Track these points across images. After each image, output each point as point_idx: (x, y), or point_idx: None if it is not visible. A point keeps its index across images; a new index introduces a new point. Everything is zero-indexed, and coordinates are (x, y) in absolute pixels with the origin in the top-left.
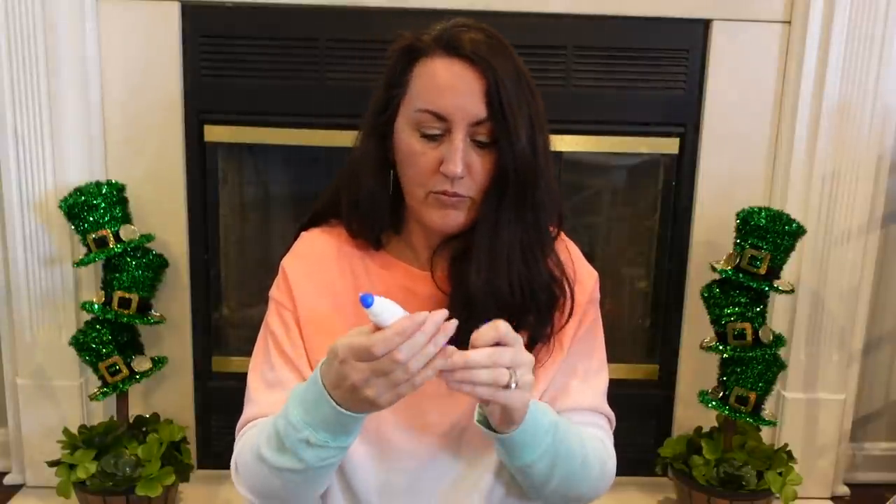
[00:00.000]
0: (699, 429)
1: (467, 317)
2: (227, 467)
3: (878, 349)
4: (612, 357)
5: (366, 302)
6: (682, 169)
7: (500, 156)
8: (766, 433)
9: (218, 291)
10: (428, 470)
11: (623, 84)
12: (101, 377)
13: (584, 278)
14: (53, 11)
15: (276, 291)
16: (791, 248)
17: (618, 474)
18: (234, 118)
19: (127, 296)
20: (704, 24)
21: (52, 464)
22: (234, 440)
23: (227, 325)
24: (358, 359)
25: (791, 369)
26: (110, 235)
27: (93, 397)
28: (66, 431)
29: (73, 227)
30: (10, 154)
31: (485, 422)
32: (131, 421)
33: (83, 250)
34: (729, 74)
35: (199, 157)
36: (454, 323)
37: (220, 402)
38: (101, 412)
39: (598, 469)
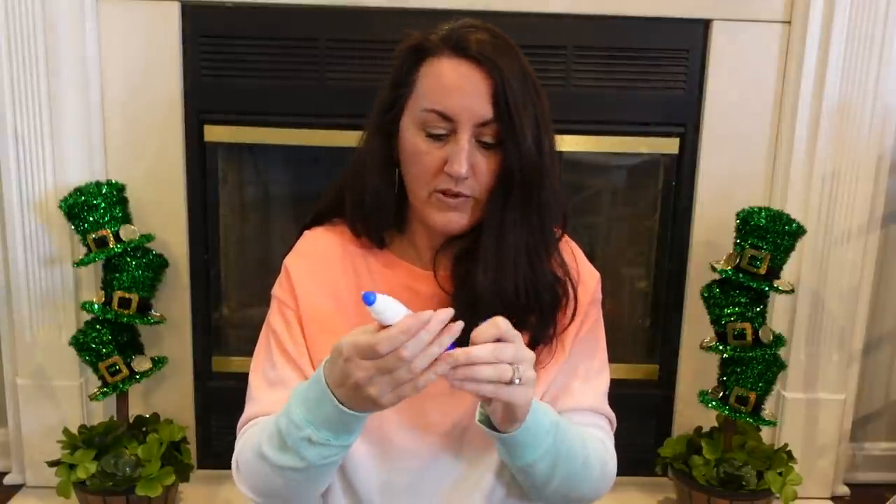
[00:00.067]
0: (699, 429)
1: (471, 317)
2: (228, 467)
3: (878, 349)
4: (612, 357)
5: (368, 300)
6: (682, 169)
7: (506, 156)
8: (766, 433)
9: (218, 291)
10: (429, 469)
11: (623, 84)
12: (101, 377)
13: (586, 279)
14: (53, 11)
15: (278, 290)
16: (791, 248)
17: (618, 474)
18: (234, 118)
19: (127, 296)
20: (704, 24)
21: (52, 464)
22: (234, 440)
23: (227, 325)
24: (362, 357)
25: (791, 369)
26: (110, 235)
27: (93, 397)
28: (66, 431)
29: (73, 227)
30: (10, 154)
31: (486, 421)
32: (131, 421)
33: (83, 250)
34: (729, 74)
35: (199, 157)
36: (460, 324)
37: (220, 402)
38: (101, 412)
39: (599, 469)
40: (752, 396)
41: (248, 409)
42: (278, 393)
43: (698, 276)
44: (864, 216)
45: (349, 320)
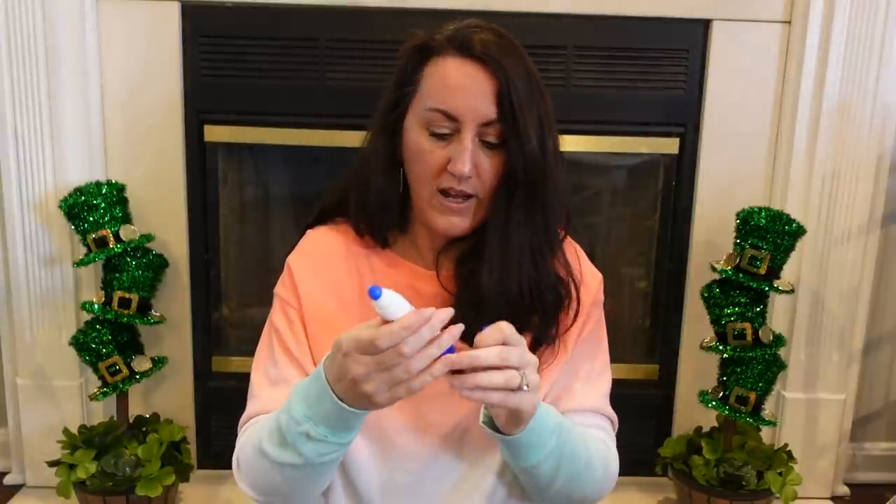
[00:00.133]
0: (699, 429)
1: (475, 317)
2: (228, 467)
3: (878, 349)
4: (612, 357)
5: (374, 294)
6: (682, 169)
7: (509, 156)
8: (766, 433)
9: (218, 291)
10: (430, 470)
11: (623, 84)
12: (101, 377)
13: (588, 280)
14: (53, 11)
15: (281, 288)
16: (791, 248)
17: (618, 474)
18: (234, 118)
19: (127, 296)
20: (704, 24)
21: (52, 464)
22: (234, 440)
23: (227, 325)
24: (362, 352)
25: (791, 369)
26: (110, 235)
27: (93, 397)
28: (66, 431)
29: (73, 227)
30: (10, 154)
31: (490, 423)
32: (131, 421)
33: (83, 250)
34: (729, 74)
35: (199, 157)
36: (460, 327)
37: (220, 402)
38: (101, 412)
39: (601, 470)
40: (752, 396)
41: (250, 407)
42: (280, 391)
43: (698, 276)
44: (864, 216)
45: (352, 319)
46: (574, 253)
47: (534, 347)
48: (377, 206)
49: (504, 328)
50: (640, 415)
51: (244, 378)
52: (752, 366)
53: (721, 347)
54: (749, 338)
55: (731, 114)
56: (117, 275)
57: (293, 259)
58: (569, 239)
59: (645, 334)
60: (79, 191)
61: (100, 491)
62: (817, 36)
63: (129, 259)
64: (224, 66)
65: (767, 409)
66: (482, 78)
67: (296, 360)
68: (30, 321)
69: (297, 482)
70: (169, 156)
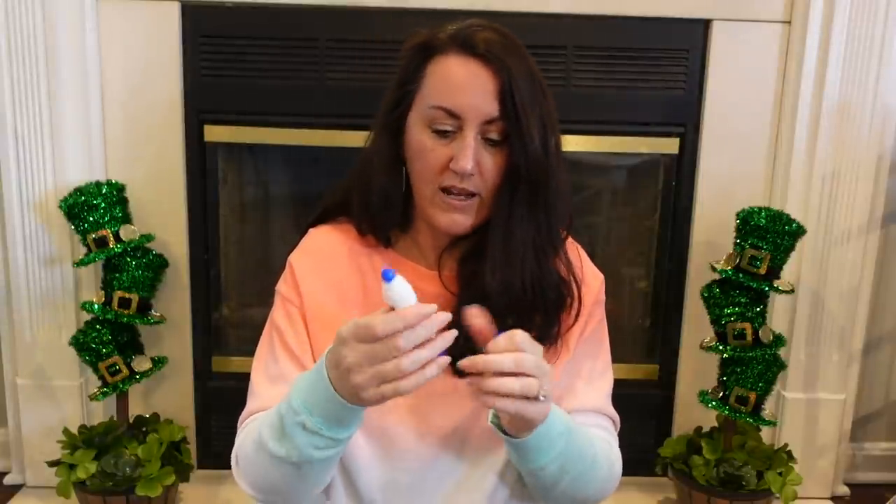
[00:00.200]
0: (699, 429)
1: None
2: (228, 467)
3: (878, 349)
4: (612, 357)
5: (387, 276)
6: (682, 169)
7: (512, 154)
8: (766, 433)
9: (218, 291)
10: (431, 470)
11: (623, 84)
12: (101, 377)
13: (590, 279)
14: (53, 11)
15: (282, 286)
16: (791, 248)
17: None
18: (234, 118)
19: (127, 296)
20: (704, 24)
21: (52, 464)
22: (234, 440)
23: (227, 325)
24: (358, 339)
25: (791, 369)
26: (110, 235)
27: (93, 397)
28: (66, 431)
29: (73, 227)
30: (10, 154)
31: (498, 423)
32: (131, 421)
33: (83, 250)
34: (729, 74)
35: (199, 157)
36: (453, 333)
37: (220, 402)
38: (101, 412)
39: (606, 471)
40: (752, 396)
41: (250, 405)
42: (280, 388)
43: (698, 276)
44: (864, 216)
45: (353, 318)
46: (576, 253)
47: None
48: (380, 205)
49: (517, 336)
50: (640, 415)
51: (244, 378)
52: (752, 366)
53: (721, 347)
54: (749, 338)
55: (731, 114)
56: (117, 275)
57: (295, 257)
58: (570, 239)
59: (645, 334)
60: (79, 191)
61: (100, 491)
62: (817, 36)
63: (129, 259)
64: (224, 66)
65: (767, 409)
66: (485, 75)
67: (296, 358)
68: (30, 321)
69: (293, 479)
70: (169, 156)
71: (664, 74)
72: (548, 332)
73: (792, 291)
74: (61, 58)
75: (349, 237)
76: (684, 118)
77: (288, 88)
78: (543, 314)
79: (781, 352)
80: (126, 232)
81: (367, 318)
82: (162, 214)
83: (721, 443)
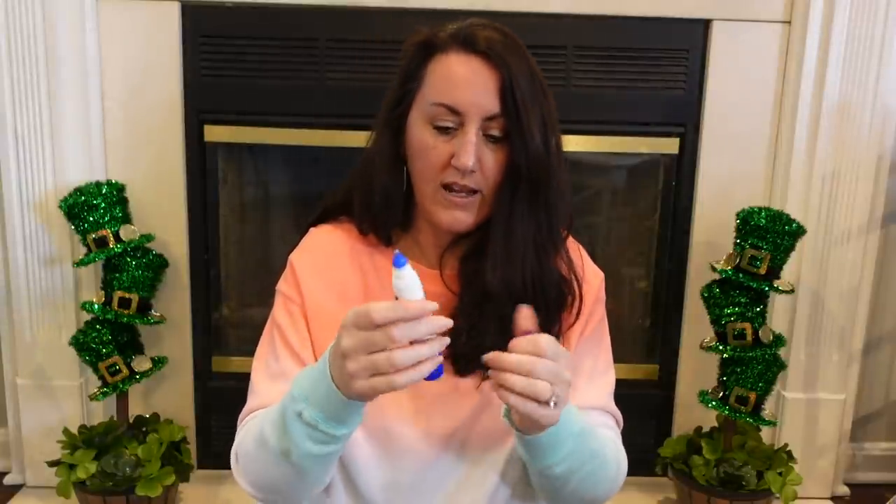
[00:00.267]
0: (699, 429)
1: (479, 315)
2: (228, 467)
3: (878, 349)
4: (613, 357)
5: (398, 262)
6: (682, 169)
7: (513, 151)
8: (766, 433)
9: (218, 291)
10: (432, 470)
11: (623, 84)
12: (101, 377)
13: (590, 278)
14: (53, 11)
15: (283, 285)
16: (791, 248)
17: None
18: (234, 118)
19: (127, 296)
20: (704, 24)
21: (52, 464)
22: (234, 440)
23: (227, 325)
24: (357, 326)
25: (791, 369)
26: (110, 235)
27: (93, 397)
28: (66, 431)
29: (73, 227)
30: (10, 154)
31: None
32: (131, 421)
33: (83, 250)
34: (729, 74)
35: (199, 157)
36: (446, 340)
37: (220, 402)
38: (101, 412)
39: (614, 470)
40: (752, 396)
41: (250, 402)
42: (280, 386)
43: (698, 276)
44: (864, 216)
45: None
46: (577, 251)
47: None
48: (381, 204)
49: (541, 341)
50: (640, 415)
51: (244, 378)
52: (752, 366)
53: (721, 347)
54: (749, 338)
55: (731, 114)
56: (117, 275)
57: (296, 256)
58: (571, 238)
59: (645, 334)
60: (79, 191)
61: (100, 491)
62: (817, 36)
63: (129, 259)
64: (224, 66)
65: (767, 409)
66: (486, 72)
67: (297, 356)
68: (30, 321)
69: (293, 477)
70: (169, 156)
71: (664, 74)
72: (548, 330)
73: (792, 291)
74: (61, 58)
75: (350, 236)
76: (684, 118)
77: (288, 88)
78: (544, 312)
79: (781, 352)
80: (126, 232)
81: (367, 304)
82: (162, 214)
83: (721, 443)
